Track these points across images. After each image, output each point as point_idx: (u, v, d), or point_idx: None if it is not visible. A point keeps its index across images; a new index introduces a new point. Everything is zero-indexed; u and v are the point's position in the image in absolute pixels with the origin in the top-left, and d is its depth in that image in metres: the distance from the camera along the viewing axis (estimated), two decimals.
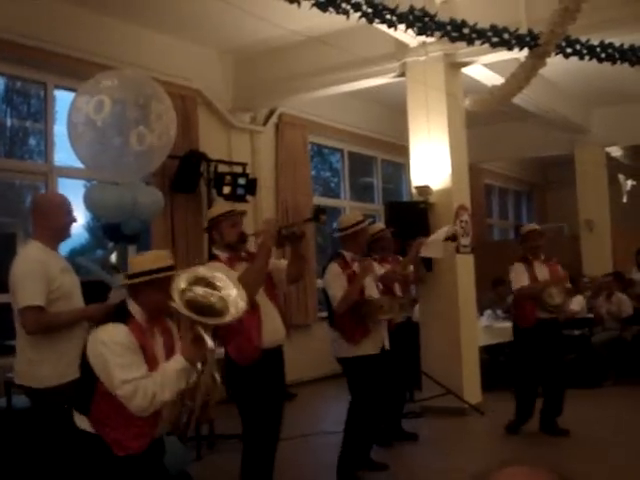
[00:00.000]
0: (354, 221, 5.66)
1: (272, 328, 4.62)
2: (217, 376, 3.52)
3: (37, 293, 4.07)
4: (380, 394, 5.66)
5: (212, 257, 4.62)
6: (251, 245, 4.95)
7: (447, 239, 6.96)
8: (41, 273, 4.12)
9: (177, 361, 3.34)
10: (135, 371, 3.25)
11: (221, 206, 4.92)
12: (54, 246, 4.35)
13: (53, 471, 4.17)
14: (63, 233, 4.43)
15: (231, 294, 3.49)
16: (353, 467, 5.54)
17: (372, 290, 5.65)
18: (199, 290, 3.43)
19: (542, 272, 6.85)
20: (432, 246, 6.63)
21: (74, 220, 4.48)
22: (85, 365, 3.35)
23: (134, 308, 3.44)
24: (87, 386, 3.35)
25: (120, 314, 3.44)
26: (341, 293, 5.37)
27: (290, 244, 4.74)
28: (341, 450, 5.55)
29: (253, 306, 4.33)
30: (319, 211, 4.97)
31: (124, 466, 3.33)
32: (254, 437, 4.65)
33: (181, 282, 3.38)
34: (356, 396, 5.54)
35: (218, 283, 3.50)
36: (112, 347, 3.26)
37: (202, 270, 3.61)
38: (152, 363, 3.36)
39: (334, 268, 5.51)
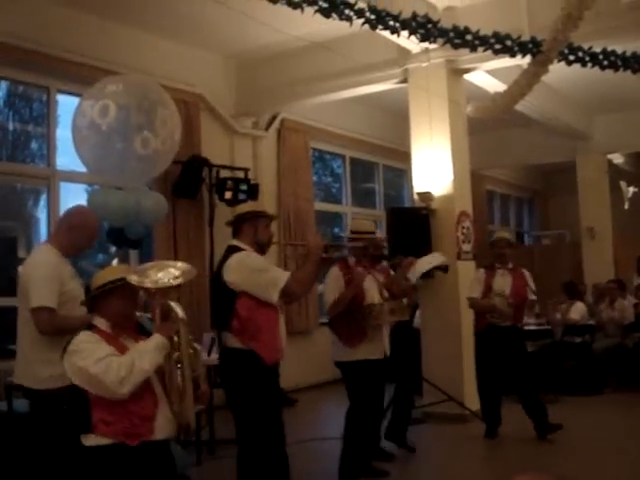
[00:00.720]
0: (363, 229, 5.75)
1: (284, 332, 4.63)
2: (195, 345, 3.65)
3: (51, 295, 4.18)
4: (378, 400, 5.64)
5: (235, 248, 4.51)
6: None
7: (438, 268, 6.92)
8: (55, 276, 4.24)
9: (153, 338, 3.46)
10: (104, 351, 3.38)
11: (257, 205, 4.97)
12: (67, 254, 4.46)
13: (53, 474, 4.17)
14: (75, 251, 4.56)
15: (172, 270, 3.65)
16: (354, 473, 5.52)
17: (375, 297, 5.64)
18: (159, 274, 3.59)
19: (504, 280, 7.04)
20: (418, 268, 6.43)
21: (91, 246, 4.66)
22: (74, 387, 3.43)
23: (98, 321, 3.58)
24: (82, 404, 3.40)
25: (87, 327, 3.58)
26: (333, 297, 5.40)
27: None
28: (341, 456, 5.54)
29: (279, 308, 4.45)
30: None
31: (143, 455, 3.37)
32: (257, 444, 4.56)
33: (133, 277, 3.56)
34: (354, 401, 5.53)
35: (172, 269, 3.69)
36: (79, 348, 3.40)
37: (148, 265, 3.80)
38: (123, 351, 3.46)
39: (334, 271, 5.54)
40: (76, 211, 4.72)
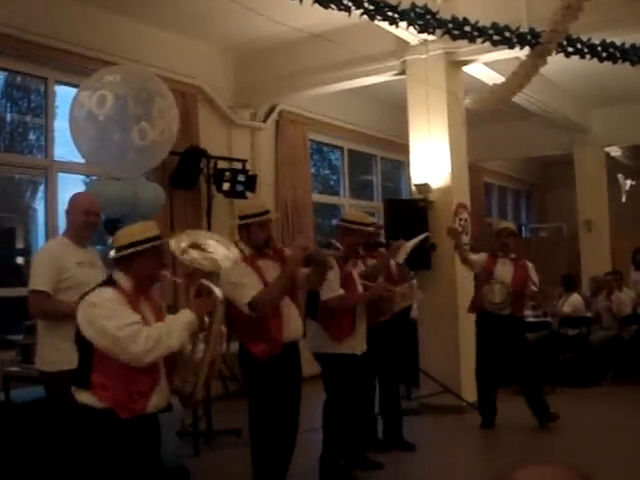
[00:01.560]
0: (359, 220, 5.66)
1: (292, 326, 4.71)
2: (223, 328, 3.69)
3: (44, 279, 4.30)
4: (358, 394, 5.61)
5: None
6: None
7: (423, 245, 6.95)
8: (51, 262, 4.35)
9: (184, 313, 3.43)
10: (132, 317, 3.31)
11: (255, 205, 4.90)
12: (80, 242, 4.56)
13: (56, 462, 4.19)
14: (81, 231, 4.59)
15: (220, 252, 3.71)
16: (337, 464, 5.50)
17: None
18: (194, 253, 3.61)
19: (506, 269, 7.09)
20: (403, 250, 6.40)
21: (93, 221, 4.65)
22: (80, 339, 3.38)
23: (120, 278, 3.47)
24: (84, 359, 3.38)
25: (107, 282, 3.49)
26: (337, 287, 5.29)
27: (315, 267, 4.77)
28: (323, 449, 5.50)
29: (276, 310, 4.57)
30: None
31: (129, 429, 3.35)
32: (265, 434, 4.58)
33: (182, 242, 3.60)
34: (331, 395, 5.46)
35: (209, 248, 3.71)
36: (103, 305, 3.31)
37: (195, 236, 3.82)
38: (142, 317, 3.41)
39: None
40: (69, 198, 4.80)
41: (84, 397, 3.36)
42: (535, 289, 7.21)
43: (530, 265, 7.28)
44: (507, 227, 7.42)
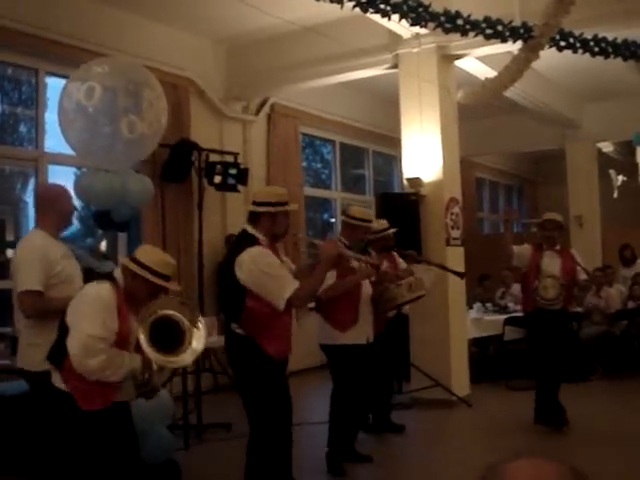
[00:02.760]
0: (364, 217, 5.75)
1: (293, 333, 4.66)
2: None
3: (36, 278, 4.21)
4: (363, 385, 5.66)
5: (251, 237, 4.43)
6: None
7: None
8: (41, 259, 4.26)
9: (135, 360, 3.59)
10: (104, 331, 3.46)
11: (279, 193, 4.64)
12: (55, 234, 4.49)
13: (46, 456, 4.17)
14: (66, 221, 4.58)
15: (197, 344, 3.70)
16: (340, 457, 5.54)
17: (366, 286, 5.67)
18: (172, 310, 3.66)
19: (553, 262, 6.74)
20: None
21: (75, 208, 4.66)
22: (62, 322, 3.56)
23: (120, 281, 3.67)
24: (62, 340, 3.52)
25: (107, 279, 3.67)
26: (330, 279, 5.25)
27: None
28: (328, 440, 5.57)
29: (290, 310, 4.41)
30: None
31: (89, 421, 3.50)
32: (266, 426, 4.49)
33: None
34: (338, 385, 5.56)
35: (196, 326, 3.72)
36: (93, 305, 3.50)
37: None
38: (124, 325, 3.56)
39: None
40: (41, 190, 4.92)
41: (56, 379, 3.55)
42: (585, 277, 6.93)
43: (575, 253, 7.05)
44: (552, 219, 6.94)
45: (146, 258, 3.65)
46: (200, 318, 3.73)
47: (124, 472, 3.59)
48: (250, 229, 4.46)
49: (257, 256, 4.30)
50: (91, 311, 3.47)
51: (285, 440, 4.56)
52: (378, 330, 5.91)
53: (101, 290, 3.54)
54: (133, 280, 3.62)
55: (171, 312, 3.60)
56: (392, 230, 6.64)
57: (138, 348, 3.62)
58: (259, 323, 4.32)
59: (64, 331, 3.53)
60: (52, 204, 4.50)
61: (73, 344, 3.42)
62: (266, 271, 4.25)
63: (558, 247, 6.90)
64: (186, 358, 3.66)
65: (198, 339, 3.65)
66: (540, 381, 6.81)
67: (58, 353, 3.54)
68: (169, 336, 3.57)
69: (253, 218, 4.48)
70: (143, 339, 3.47)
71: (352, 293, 5.53)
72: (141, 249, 3.78)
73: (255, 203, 4.49)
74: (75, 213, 4.68)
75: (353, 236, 5.70)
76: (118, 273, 3.69)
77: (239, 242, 4.50)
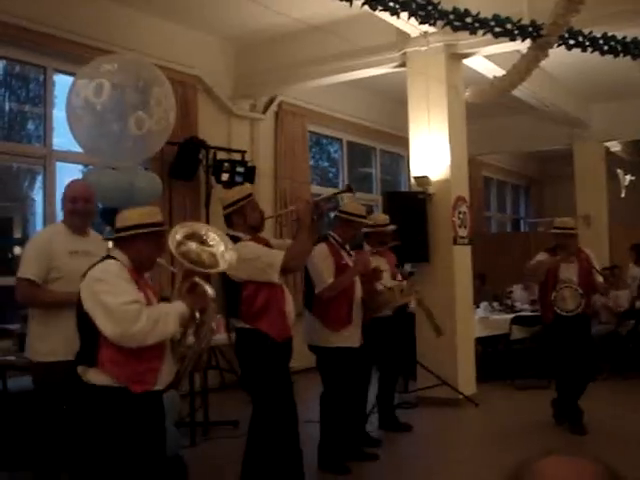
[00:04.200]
0: (357, 212, 5.73)
1: (290, 308, 4.69)
2: (214, 325, 3.68)
3: (30, 268, 4.25)
4: (354, 387, 5.62)
5: (233, 238, 4.46)
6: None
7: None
8: (40, 251, 4.28)
9: (178, 305, 3.42)
10: (134, 294, 3.31)
11: (239, 190, 4.85)
12: (78, 229, 4.47)
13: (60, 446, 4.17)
14: (70, 218, 4.51)
15: (220, 249, 3.63)
16: (336, 456, 5.51)
17: (358, 288, 5.63)
18: (192, 245, 3.54)
19: (570, 268, 6.67)
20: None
21: (81, 208, 4.49)
22: (82, 317, 3.34)
23: (119, 256, 3.47)
24: (89, 336, 3.33)
25: (108, 258, 3.49)
26: (329, 278, 5.32)
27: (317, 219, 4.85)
28: (320, 441, 5.54)
29: (278, 285, 4.57)
30: (349, 186, 5.52)
31: (142, 403, 3.34)
32: (269, 419, 4.54)
33: (177, 234, 3.51)
34: (328, 387, 5.50)
35: (210, 241, 3.63)
36: (107, 279, 3.31)
37: (197, 226, 3.74)
38: (144, 293, 3.41)
39: (323, 249, 5.44)
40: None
41: (93, 376, 3.31)
42: (601, 279, 6.84)
43: (590, 254, 6.94)
44: (568, 224, 6.87)
45: (127, 219, 3.49)
46: (210, 233, 3.66)
47: (156, 462, 3.48)
48: (230, 232, 4.57)
49: (238, 249, 4.39)
50: (107, 285, 3.28)
51: (292, 435, 4.59)
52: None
53: (107, 266, 3.37)
54: (131, 246, 3.45)
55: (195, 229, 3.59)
56: (391, 227, 6.59)
57: None
58: (257, 309, 4.49)
59: (86, 326, 3.32)
60: (63, 199, 4.55)
61: (107, 324, 3.21)
62: (246, 257, 4.37)
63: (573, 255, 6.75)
64: (221, 263, 3.59)
65: (219, 246, 3.62)
66: (562, 386, 6.80)
67: (88, 352, 3.34)
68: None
69: (228, 222, 4.72)
70: (176, 254, 3.41)
71: (347, 293, 5.47)
72: (118, 217, 3.56)
73: (224, 207, 4.73)
74: (83, 213, 4.52)
75: (347, 232, 5.68)
76: (117, 252, 3.49)
77: None
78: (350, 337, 5.46)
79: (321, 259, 5.37)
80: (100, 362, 3.29)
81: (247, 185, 4.94)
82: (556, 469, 1.23)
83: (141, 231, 3.45)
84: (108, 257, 3.48)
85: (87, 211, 4.53)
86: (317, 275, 5.34)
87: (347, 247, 5.74)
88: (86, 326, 3.33)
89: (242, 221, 4.66)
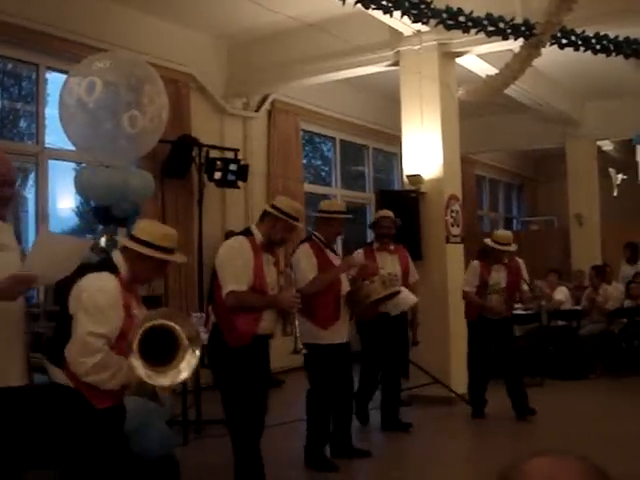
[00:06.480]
0: (333, 209, 5.70)
1: (271, 317, 4.69)
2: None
3: None
4: (341, 384, 5.62)
5: (247, 230, 4.77)
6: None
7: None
8: None
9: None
10: (104, 328, 3.23)
11: (295, 206, 4.83)
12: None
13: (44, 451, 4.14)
14: None
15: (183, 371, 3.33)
16: (322, 453, 5.53)
17: (345, 284, 5.64)
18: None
19: (500, 275, 7.06)
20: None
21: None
22: (64, 308, 3.33)
23: (121, 265, 3.43)
24: (63, 331, 3.30)
25: (108, 266, 3.43)
26: (311, 275, 5.33)
27: None
28: (307, 439, 5.55)
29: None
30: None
31: (103, 419, 3.32)
32: (239, 423, 4.63)
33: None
34: (315, 385, 5.51)
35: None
36: (96, 298, 3.25)
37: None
38: (129, 320, 3.33)
39: (305, 248, 5.49)
40: None
41: (57, 376, 3.32)
42: (526, 288, 7.26)
43: (521, 263, 7.30)
44: (506, 236, 7.12)
45: (146, 234, 3.44)
46: (199, 350, 3.33)
47: (125, 468, 3.46)
48: (253, 226, 4.73)
49: (227, 246, 4.63)
50: (91, 304, 3.22)
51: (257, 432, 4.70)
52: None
53: (103, 282, 3.30)
54: (136, 260, 3.41)
55: (171, 324, 3.27)
56: (387, 219, 6.68)
57: None
58: (220, 307, 4.56)
59: (65, 322, 3.29)
60: None
61: (71, 340, 3.22)
62: (224, 259, 4.52)
63: (506, 260, 7.10)
64: (165, 379, 3.27)
65: (188, 365, 3.28)
66: (471, 376, 7.36)
67: (57, 347, 3.30)
68: (161, 349, 3.25)
69: (262, 216, 4.77)
70: (134, 345, 3.15)
71: (333, 289, 5.47)
72: (139, 225, 3.57)
73: (271, 205, 4.76)
74: None
75: (329, 230, 5.63)
76: (117, 256, 3.46)
77: (236, 234, 4.85)
78: (338, 333, 5.49)
79: (303, 257, 5.41)
80: (65, 366, 3.28)
81: (301, 209, 4.99)
82: (545, 469, 1.24)
83: (147, 253, 3.40)
84: (110, 263, 3.45)
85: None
86: (300, 273, 5.31)
87: (334, 247, 5.81)
88: (64, 320, 3.32)
89: (269, 227, 4.70)
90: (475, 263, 7.17)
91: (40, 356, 3.51)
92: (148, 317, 3.27)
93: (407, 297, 6.37)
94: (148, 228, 3.51)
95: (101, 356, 3.19)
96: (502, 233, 7.29)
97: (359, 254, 6.55)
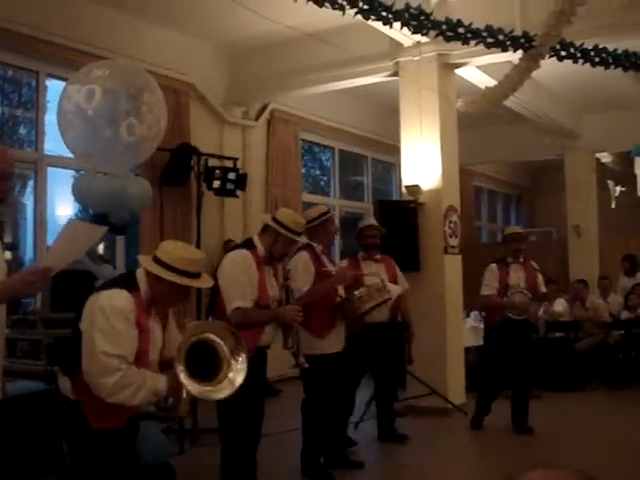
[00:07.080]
0: (318, 213, 5.64)
1: (271, 330, 4.68)
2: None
3: None
4: (338, 393, 5.60)
5: (249, 241, 4.76)
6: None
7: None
8: None
9: (160, 380, 3.23)
10: (125, 347, 3.14)
11: (297, 220, 4.81)
12: None
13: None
14: None
15: (235, 377, 3.28)
16: (319, 463, 5.51)
17: (341, 292, 5.60)
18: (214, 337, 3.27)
19: (519, 274, 6.97)
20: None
21: None
22: (77, 324, 3.25)
23: (143, 283, 3.29)
24: (76, 346, 3.20)
25: (127, 282, 3.31)
26: (304, 287, 5.25)
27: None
28: (302, 448, 5.52)
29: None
30: None
31: (98, 440, 3.25)
32: (233, 433, 4.62)
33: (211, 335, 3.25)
34: (311, 394, 5.46)
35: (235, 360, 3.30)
36: (109, 315, 3.12)
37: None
38: (145, 338, 3.24)
39: (304, 257, 5.40)
40: None
41: (65, 386, 3.28)
42: (544, 290, 7.22)
43: (536, 265, 7.22)
44: (516, 232, 7.21)
45: (169, 256, 3.26)
46: (243, 353, 3.27)
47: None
48: (255, 236, 4.72)
49: (230, 260, 4.57)
50: (106, 322, 3.10)
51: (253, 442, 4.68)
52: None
53: (118, 301, 3.17)
54: (158, 282, 3.25)
55: (212, 336, 3.20)
56: (370, 228, 6.59)
57: (162, 366, 3.33)
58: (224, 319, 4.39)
59: (77, 336, 3.21)
60: None
61: (85, 357, 3.12)
62: (228, 274, 4.49)
63: (522, 259, 7.07)
64: (224, 390, 3.22)
65: (237, 372, 3.23)
66: (484, 385, 7.24)
67: (70, 359, 3.23)
68: (205, 363, 3.18)
69: (263, 229, 4.75)
70: (180, 366, 3.06)
71: (327, 298, 5.44)
72: (162, 246, 3.37)
73: (273, 218, 4.71)
74: None
75: (322, 236, 5.56)
76: (141, 273, 3.30)
77: (234, 247, 4.88)
78: (334, 341, 5.46)
79: (301, 267, 5.35)
80: (76, 379, 3.22)
81: (303, 223, 4.96)
82: None
83: (169, 278, 3.24)
84: (130, 279, 3.32)
85: None
86: (294, 284, 5.19)
87: (329, 256, 5.79)
88: (76, 335, 3.24)
89: (270, 240, 4.67)
90: (493, 266, 7.04)
91: (32, 362, 3.49)
92: (185, 337, 3.18)
93: (392, 289, 6.28)
94: (171, 249, 3.34)
95: (121, 374, 3.10)
96: (512, 227, 7.32)
97: (343, 264, 6.50)
